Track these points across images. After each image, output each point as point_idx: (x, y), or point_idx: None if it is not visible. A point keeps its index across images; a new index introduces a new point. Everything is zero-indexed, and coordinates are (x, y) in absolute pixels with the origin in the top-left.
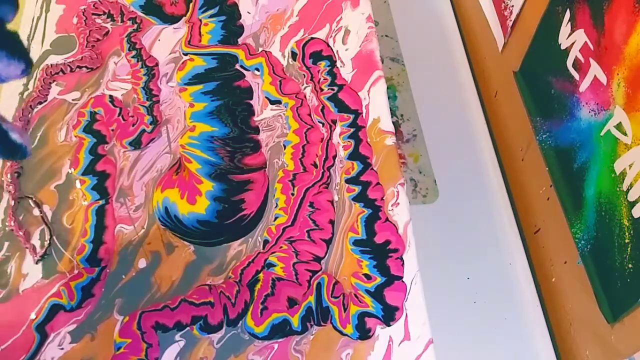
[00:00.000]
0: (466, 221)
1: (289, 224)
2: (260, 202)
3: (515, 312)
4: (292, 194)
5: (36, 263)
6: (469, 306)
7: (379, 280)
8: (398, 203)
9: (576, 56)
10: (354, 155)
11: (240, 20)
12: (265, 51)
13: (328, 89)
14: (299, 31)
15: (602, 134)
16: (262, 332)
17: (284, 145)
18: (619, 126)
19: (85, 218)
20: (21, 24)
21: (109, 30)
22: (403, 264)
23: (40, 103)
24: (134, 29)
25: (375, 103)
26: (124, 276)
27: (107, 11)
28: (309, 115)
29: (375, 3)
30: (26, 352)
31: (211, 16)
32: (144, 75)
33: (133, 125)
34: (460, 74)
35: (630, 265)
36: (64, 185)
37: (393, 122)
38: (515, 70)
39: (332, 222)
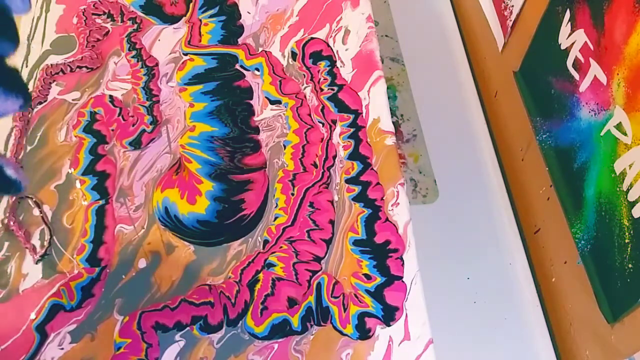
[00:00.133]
0: (466, 221)
1: (289, 224)
2: (260, 202)
3: (515, 312)
4: (292, 194)
5: (36, 263)
6: (469, 306)
7: (379, 280)
8: (398, 203)
9: (576, 56)
10: (354, 155)
11: (240, 20)
12: (265, 51)
13: (328, 89)
14: (299, 31)
15: (602, 134)
16: (262, 332)
17: (284, 145)
18: (619, 126)
19: (85, 218)
20: (21, 24)
21: (109, 30)
22: (403, 264)
23: (40, 103)
24: (134, 29)
25: (375, 103)
26: (124, 276)
27: (107, 11)
28: (309, 115)
29: (375, 3)
30: (26, 352)
31: (211, 16)
32: (144, 75)
33: (133, 125)
34: (460, 74)
35: (630, 265)
36: (64, 185)
37: (393, 122)
38: (515, 70)
39: (332, 222)
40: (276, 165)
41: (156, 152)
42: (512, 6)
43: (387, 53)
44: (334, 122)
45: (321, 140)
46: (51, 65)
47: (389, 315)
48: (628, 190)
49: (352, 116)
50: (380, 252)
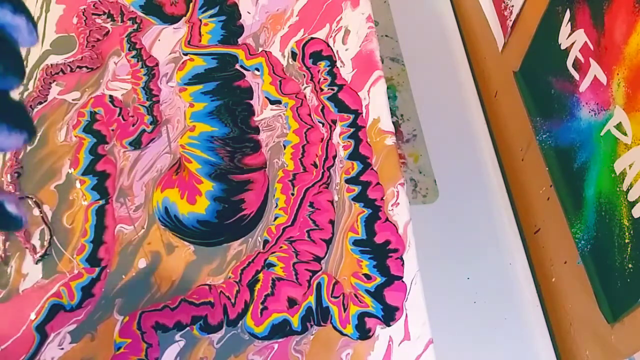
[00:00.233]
0: (466, 221)
1: (289, 224)
2: (260, 202)
3: (515, 312)
4: (292, 194)
5: (36, 263)
6: (469, 306)
7: (379, 280)
8: (398, 203)
9: (576, 56)
10: (354, 155)
11: (240, 20)
12: (265, 51)
13: (328, 89)
14: (299, 31)
15: (602, 134)
16: (262, 332)
17: (284, 145)
18: (619, 126)
19: (85, 218)
20: None
21: (109, 30)
22: (403, 264)
23: (40, 103)
24: (134, 29)
25: (375, 103)
26: (124, 276)
27: (107, 11)
28: (309, 115)
29: (375, 3)
30: (26, 352)
31: (211, 16)
32: (144, 75)
33: (133, 125)
34: (460, 74)
35: (630, 265)
36: (64, 185)
37: (393, 122)
38: (515, 70)
39: (332, 222)
40: (276, 165)
41: (156, 152)
42: (512, 6)
43: (387, 53)
44: (334, 122)
45: (321, 140)
46: (51, 65)
47: (389, 315)
48: (628, 190)
49: (352, 116)
50: (380, 252)
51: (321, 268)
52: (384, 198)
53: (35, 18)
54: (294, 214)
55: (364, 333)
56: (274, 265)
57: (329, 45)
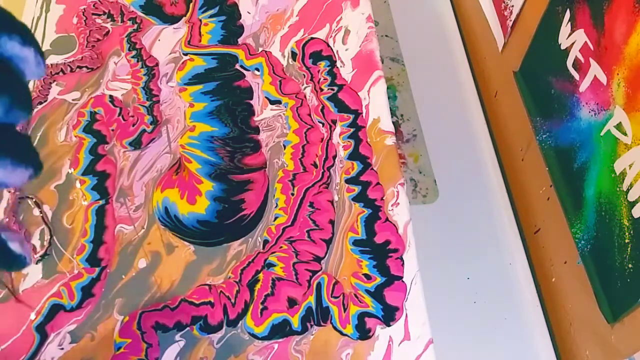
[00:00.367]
0: (466, 221)
1: (289, 224)
2: (260, 202)
3: (515, 312)
4: (292, 194)
5: (36, 263)
6: (469, 306)
7: (379, 280)
8: (398, 203)
9: (576, 56)
10: (354, 155)
11: (240, 20)
12: (265, 51)
13: (328, 89)
14: (299, 31)
15: (602, 134)
16: (262, 332)
17: (284, 145)
18: (619, 126)
19: (85, 218)
20: None
21: (109, 30)
22: (403, 264)
23: (40, 103)
24: (134, 29)
25: (375, 103)
26: (124, 276)
27: (107, 11)
28: (309, 115)
29: (375, 3)
30: (26, 352)
31: (211, 16)
32: (144, 75)
33: (133, 125)
34: (460, 74)
35: (630, 265)
36: (64, 185)
37: (393, 122)
38: (515, 70)
39: (332, 222)
40: (276, 165)
41: (156, 152)
42: (512, 6)
43: (387, 53)
44: (334, 122)
45: (321, 140)
46: (51, 65)
47: (389, 315)
48: (628, 190)
49: (352, 116)
50: (380, 252)
51: (321, 268)
52: (384, 198)
53: (35, 18)
54: (294, 214)
55: (364, 333)
56: (274, 265)
57: (329, 45)
